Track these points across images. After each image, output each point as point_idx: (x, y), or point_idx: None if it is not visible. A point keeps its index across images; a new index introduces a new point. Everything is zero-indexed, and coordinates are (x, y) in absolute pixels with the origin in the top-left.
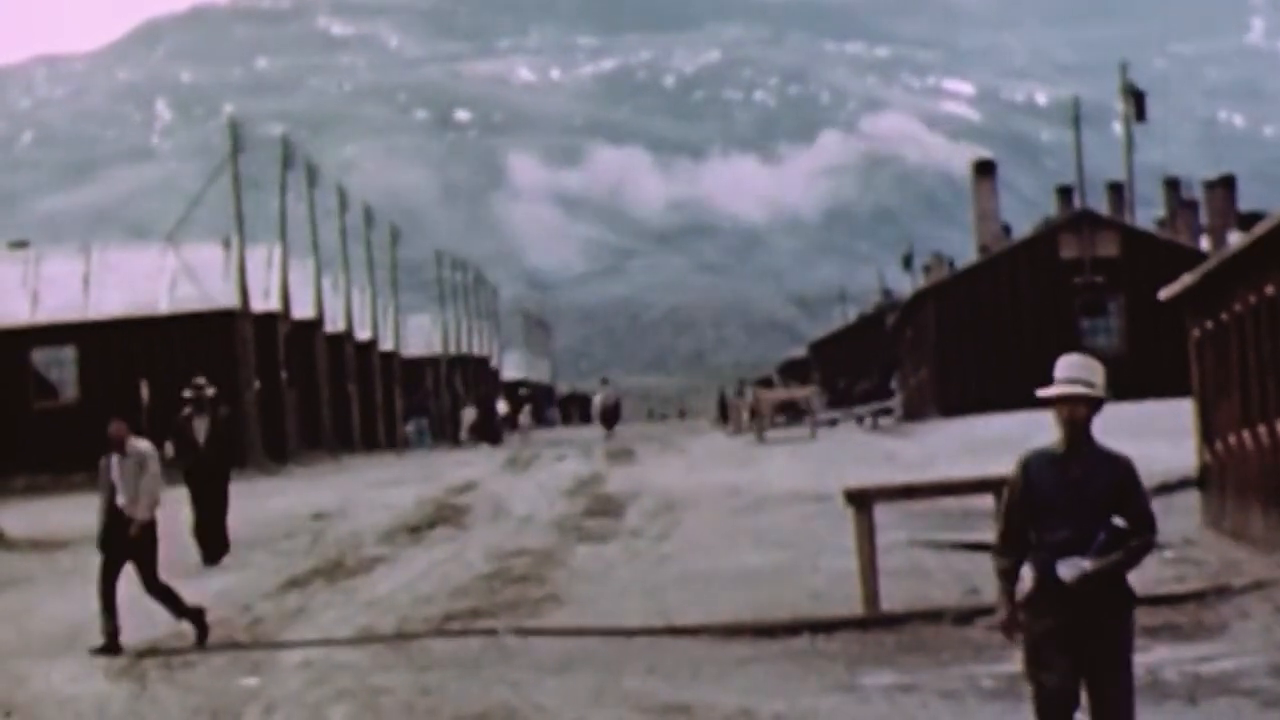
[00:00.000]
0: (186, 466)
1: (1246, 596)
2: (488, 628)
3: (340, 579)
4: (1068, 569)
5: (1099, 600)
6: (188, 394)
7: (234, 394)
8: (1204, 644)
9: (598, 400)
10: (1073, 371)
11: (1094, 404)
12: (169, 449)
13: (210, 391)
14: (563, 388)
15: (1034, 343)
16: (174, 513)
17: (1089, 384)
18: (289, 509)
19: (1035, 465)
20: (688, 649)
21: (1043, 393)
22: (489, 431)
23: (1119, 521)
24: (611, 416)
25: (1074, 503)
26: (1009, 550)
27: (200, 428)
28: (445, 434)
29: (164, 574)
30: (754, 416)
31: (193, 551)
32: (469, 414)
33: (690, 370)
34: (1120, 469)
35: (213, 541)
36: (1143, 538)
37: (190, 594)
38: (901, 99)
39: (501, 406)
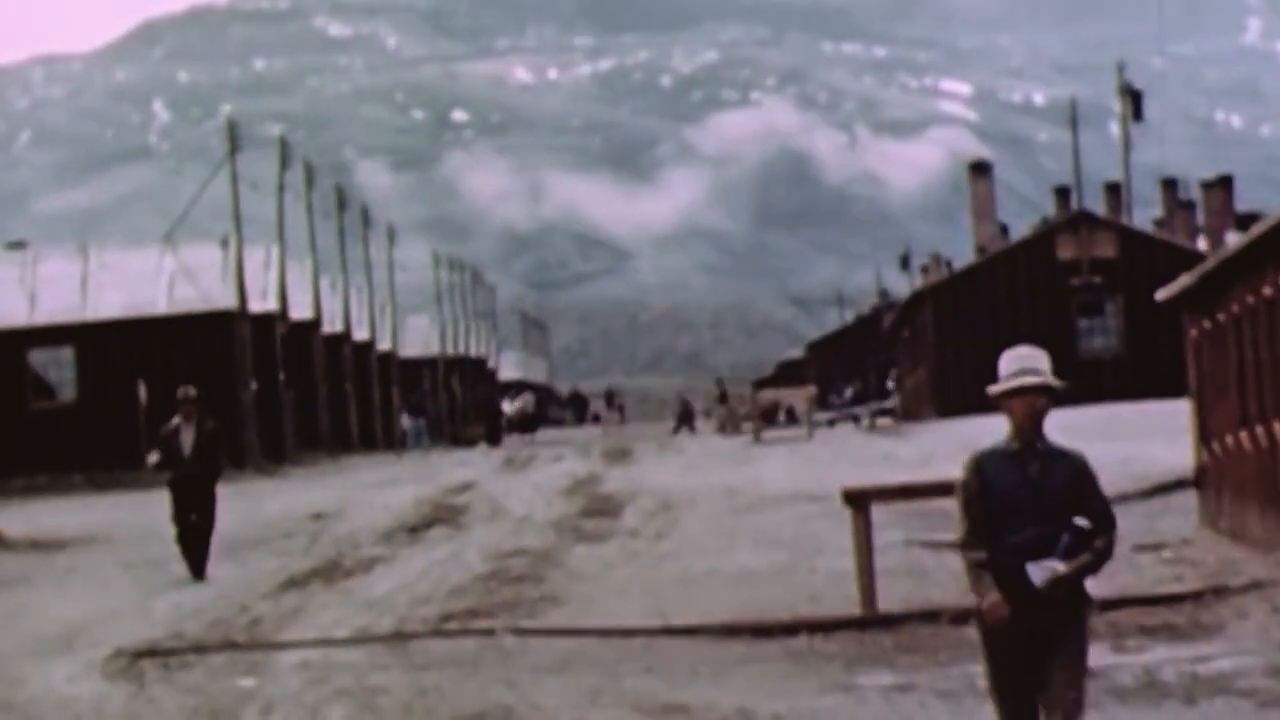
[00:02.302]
0: (172, 477)
1: (1244, 597)
2: (485, 628)
3: (338, 579)
4: (1040, 572)
5: (1063, 603)
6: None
7: (231, 395)
8: (1201, 644)
9: (512, 407)
10: (1023, 363)
11: (1050, 394)
12: (154, 458)
13: (192, 393)
14: (561, 388)
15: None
16: (163, 522)
17: (1040, 373)
18: (287, 509)
19: (990, 464)
20: (686, 649)
21: (996, 389)
22: (490, 432)
23: (1081, 521)
24: (528, 424)
25: (1035, 502)
26: (979, 542)
27: (187, 439)
28: (444, 435)
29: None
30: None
31: (180, 562)
32: (405, 422)
33: (688, 371)
34: (1076, 465)
35: (197, 555)
36: (1106, 537)
37: (189, 595)
38: (898, 99)
39: (507, 407)
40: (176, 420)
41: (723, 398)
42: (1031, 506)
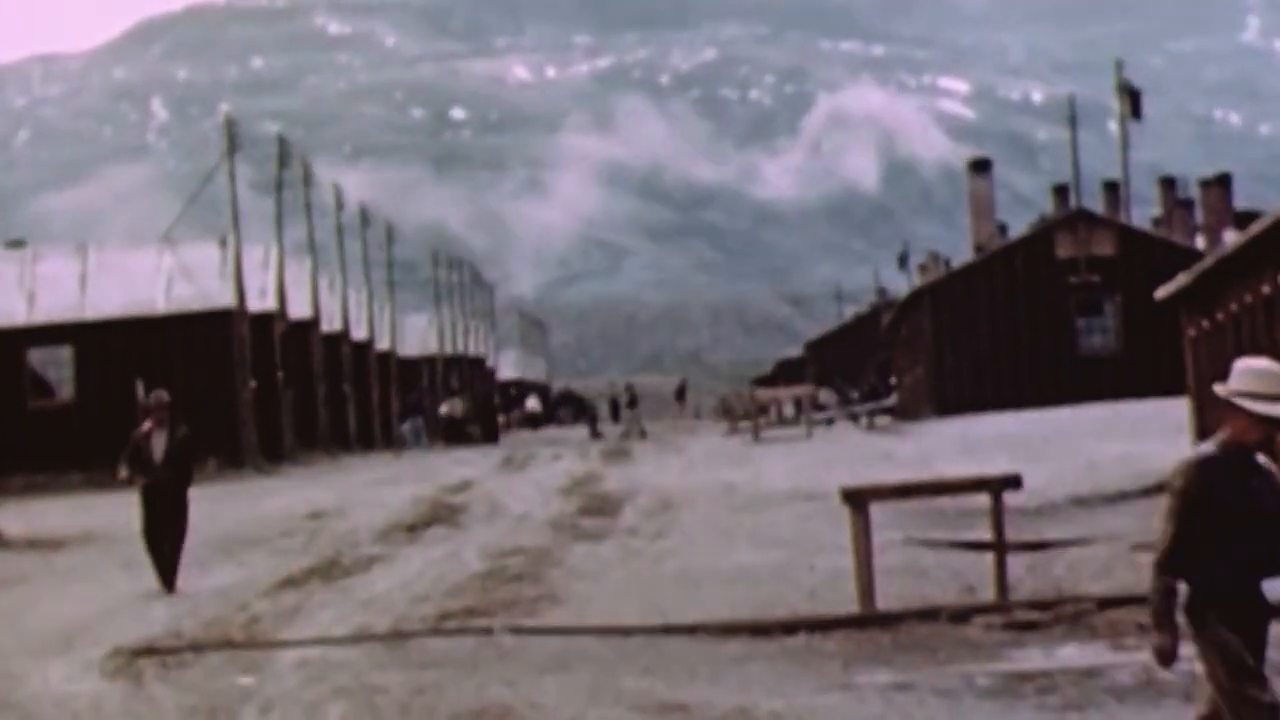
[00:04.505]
0: (142, 485)
1: None
2: (484, 626)
3: (336, 578)
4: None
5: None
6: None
7: (230, 394)
8: None
9: (444, 410)
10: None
11: None
12: (123, 468)
13: (164, 398)
14: (559, 386)
15: (1030, 342)
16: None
17: None
18: (285, 508)
19: (1215, 473)
20: (684, 648)
21: (1255, 408)
22: (487, 429)
23: None
24: (460, 433)
25: (1255, 517)
26: (1176, 567)
27: (158, 445)
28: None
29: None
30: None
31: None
32: (405, 427)
33: (687, 369)
34: (1278, 484)
35: (169, 566)
36: None
37: (187, 595)
38: (897, 97)
39: (532, 403)
40: (147, 425)
41: (631, 402)
42: (1253, 521)
